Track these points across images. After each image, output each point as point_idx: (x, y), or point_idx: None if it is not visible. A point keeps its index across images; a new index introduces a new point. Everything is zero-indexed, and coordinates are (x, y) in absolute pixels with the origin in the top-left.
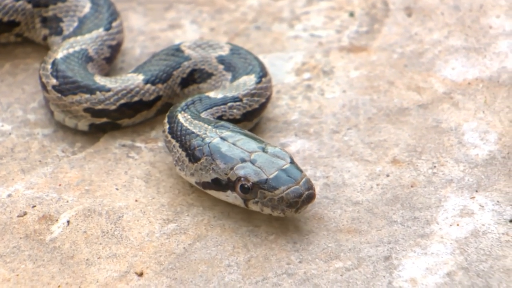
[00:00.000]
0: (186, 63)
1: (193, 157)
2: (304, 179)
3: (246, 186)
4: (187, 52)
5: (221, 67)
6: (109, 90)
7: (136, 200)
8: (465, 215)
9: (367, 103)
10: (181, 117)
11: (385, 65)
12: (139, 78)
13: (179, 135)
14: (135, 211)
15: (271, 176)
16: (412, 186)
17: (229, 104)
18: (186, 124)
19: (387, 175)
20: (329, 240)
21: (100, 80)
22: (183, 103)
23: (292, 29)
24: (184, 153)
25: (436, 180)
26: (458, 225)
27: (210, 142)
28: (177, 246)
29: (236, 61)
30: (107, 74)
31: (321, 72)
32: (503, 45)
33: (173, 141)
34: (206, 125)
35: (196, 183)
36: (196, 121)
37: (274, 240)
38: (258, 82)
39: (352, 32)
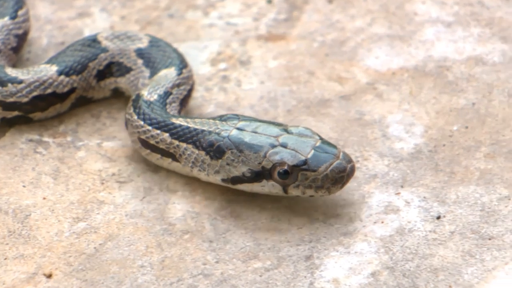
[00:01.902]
0: (103, 55)
1: (216, 153)
2: (342, 153)
3: (284, 171)
4: (104, 43)
5: (140, 61)
6: (21, 82)
7: (44, 198)
8: (390, 212)
9: (286, 95)
10: (178, 120)
11: (305, 55)
12: (53, 69)
13: (189, 137)
14: (43, 209)
15: (309, 156)
16: None
17: (169, 100)
18: (190, 125)
19: None
20: (247, 239)
21: (11, 71)
22: (146, 109)
23: (207, 17)
24: (203, 152)
25: (360, 175)
26: (382, 222)
27: (228, 135)
28: (88, 246)
29: (155, 55)
30: (14, 65)
31: (237, 62)
32: (429, 33)
33: (183, 145)
34: (211, 120)
35: (223, 180)
36: (196, 119)
37: (189, 239)
38: (179, 74)
39: (270, 20)
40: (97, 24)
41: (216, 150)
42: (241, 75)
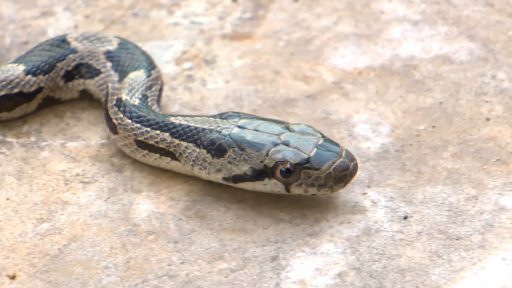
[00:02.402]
0: (71, 56)
1: (218, 152)
2: (344, 151)
3: (286, 169)
4: (74, 44)
5: (109, 64)
6: None
7: (7, 199)
8: (357, 213)
9: (251, 94)
10: (177, 120)
11: (271, 54)
12: (20, 68)
13: (189, 135)
14: (6, 210)
15: (312, 154)
16: None
17: (149, 103)
18: (191, 124)
19: None
20: (213, 239)
21: None
22: (139, 112)
23: (171, 15)
24: (204, 151)
25: None
26: (349, 223)
27: (229, 134)
28: (52, 247)
29: (124, 58)
30: None
31: (202, 61)
32: (395, 31)
33: (184, 143)
34: (211, 119)
35: (225, 178)
36: (196, 118)
37: (154, 240)
38: (149, 76)
39: (235, 19)
40: (61, 24)
41: (217, 149)
42: (206, 74)
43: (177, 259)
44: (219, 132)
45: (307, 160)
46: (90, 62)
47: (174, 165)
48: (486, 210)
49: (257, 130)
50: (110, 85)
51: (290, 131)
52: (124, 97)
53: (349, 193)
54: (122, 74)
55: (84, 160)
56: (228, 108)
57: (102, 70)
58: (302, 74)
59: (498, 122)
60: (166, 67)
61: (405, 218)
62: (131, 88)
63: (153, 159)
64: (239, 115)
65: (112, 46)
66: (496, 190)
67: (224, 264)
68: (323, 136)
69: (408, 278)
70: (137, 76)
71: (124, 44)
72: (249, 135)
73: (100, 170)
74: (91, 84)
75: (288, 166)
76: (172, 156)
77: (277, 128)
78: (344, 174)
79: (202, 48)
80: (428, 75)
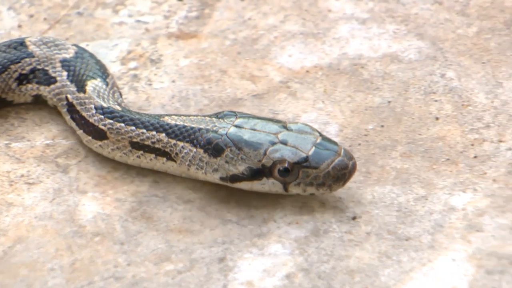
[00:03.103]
0: (28, 60)
1: (215, 151)
2: (343, 150)
3: (285, 168)
4: (31, 48)
5: (65, 74)
6: None
7: None
8: (305, 213)
9: (198, 94)
10: (172, 120)
11: (217, 53)
12: None
13: (186, 135)
14: None
15: (310, 153)
16: None
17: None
18: (187, 123)
19: None
20: (159, 241)
21: None
22: (131, 115)
23: (116, 14)
24: (201, 150)
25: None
26: (297, 223)
27: (226, 133)
28: None
29: (79, 67)
30: None
31: (148, 60)
32: (343, 30)
33: (180, 143)
34: (207, 118)
35: (222, 178)
36: (191, 117)
37: (100, 241)
38: (106, 84)
39: (181, 18)
40: (5, 23)
41: (214, 148)
42: (151, 74)
43: (123, 260)
44: (216, 131)
45: (306, 159)
46: (46, 68)
47: (169, 165)
48: (436, 210)
49: (254, 129)
50: (70, 96)
51: (287, 130)
52: (104, 104)
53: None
54: (79, 84)
55: (29, 161)
56: (174, 108)
57: (58, 79)
58: (249, 74)
59: (447, 122)
60: (112, 67)
61: (354, 218)
62: (100, 95)
63: (148, 160)
64: (235, 114)
65: (69, 54)
66: (445, 190)
67: (171, 266)
68: (321, 135)
69: (357, 279)
70: (96, 85)
71: (80, 53)
72: (246, 134)
73: (45, 171)
74: (46, 91)
75: (286, 165)
76: (168, 156)
77: (274, 127)
78: (343, 172)
79: (147, 48)
80: (376, 74)
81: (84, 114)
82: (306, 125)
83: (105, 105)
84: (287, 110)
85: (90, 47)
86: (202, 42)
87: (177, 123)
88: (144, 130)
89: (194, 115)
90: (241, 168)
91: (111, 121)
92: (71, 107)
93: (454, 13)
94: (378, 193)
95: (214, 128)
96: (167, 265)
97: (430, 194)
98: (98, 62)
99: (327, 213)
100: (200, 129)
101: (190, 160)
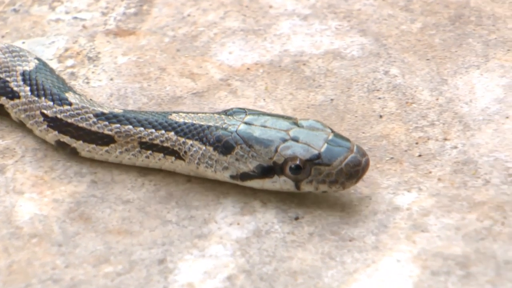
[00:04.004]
0: None
1: (224, 149)
2: (355, 146)
3: (296, 166)
4: None
5: (27, 89)
6: None
7: None
8: (247, 213)
9: (136, 92)
10: (181, 118)
11: (156, 50)
12: None
13: (195, 133)
14: None
15: (322, 150)
16: (188, 182)
17: None
18: (195, 121)
19: (161, 170)
20: (98, 242)
21: None
22: (139, 116)
23: (53, 11)
24: (210, 148)
25: None
26: (238, 224)
27: (236, 130)
28: None
29: (43, 81)
30: None
31: (85, 58)
32: (284, 26)
33: (189, 141)
34: (216, 115)
35: (232, 177)
36: (199, 115)
37: (37, 243)
38: (79, 95)
39: (119, 14)
40: None
41: (224, 146)
42: (89, 71)
43: (61, 262)
44: (225, 129)
45: (318, 156)
46: (7, 79)
47: (178, 164)
48: (380, 210)
49: (264, 126)
50: (49, 111)
51: (298, 126)
52: (104, 110)
53: (239, 193)
54: (54, 97)
55: None
56: (113, 106)
57: (22, 94)
58: (189, 71)
59: (391, 119)
60: (49, 65)
61: (296, 219)
62: (91, 103)
63: (157, 159)
64: (244, 111)
65: (29, 67)
66: (390, 189)
67: (110, 268)
68: (332, 131)
69: (300, 281)
70: (75, 96)
71: (40, 66)
72: (256, 131)
73: None
74: (9, 104)
75: (298, 162)
76: (177, 155)
77: (285, 124)
78: (356, 169)
79: (85, 45)
80: (318, 71)
81: (81, 125)
82: (318, 121)
83: (105, 111)
84: (227, 108)
85: (27, 45)
86: (141, 39)
87: (186, 121)
88: (153, 130)
89: (202, 112)
90: (251, 165)
91: (117, 125)
92: (56, 122)
93: (398, 9)
94: (321, 193)
95: (224, 126)
96: (106, 267)
97: (374, 193)
98: (58, 76)
99: (269, 213)
100: (209, 127)
101: (199, 159)
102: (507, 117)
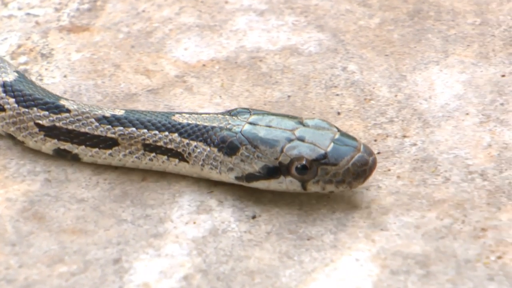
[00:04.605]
0: None
1: (229, 150)
2: (362, 145)
3: (302, 165)
4: None
5: (12, 101)
6: None
7: None
8: (203, 212)
9: (90, 89)
10: (184, 119)
11: (110, 46)
12: None
13: (199, 134)
14: None
15: (328, 149)
16: (143, 181)
17: None
18: (199, 122)
19: (116, 168)
20: (52, 242)
21: None
22: (141, 117)
23: (5, 7)
24: (215, 149)
25: (169, 174)
26: (194, 223)
27: (241, 131)
28: None
29: (29, 91)
30: None
31: (39, 55)
32: (241, 22)
33: (193, 143)
34: (220, 116)
35: (237, 178)
36: (203, 115)
37: None
38: (73, 100)
39: (72, 10)
40: None
41: (228, 146)
42: (42, 68)
43: (15, 262)
44: (230, 129)
45: (324, 156)
46: None
47: (182, 166)
48: (338, 209)
49: (269, 126)
50: (44, 121)
51: (304, 126)
52: (105, 113)
53: (194, 191)
54: (47, 106)
55: None
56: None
57: (6, 106)
58: (144, 68)
59: (350, 116)
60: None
61: (254, 217)
62: (90, 107)
63: (160, 162)
64: (249, 111)
65: (9, 78)
66: None
67: (64, 268)
68: (339, 130)
69: (258, 281)
70: (71, 101)
71: (19, 78)
72: (261, 132)
73: None
74: None
75: (304, 162)
76: (180, 157)
77: (290, 123)
78: (363, 169)
79: (38, 41)
80: (275, 68)
81: (83, 130)
82: (324, 120)
83: (106, 114)
84: (183, 106)
85: None
86: (95, 36)
87: (189, 122)
88: (157, 132)
89: (205, 113)
90: (257, 166)
91: (120, 127)
92: (54, 131)
93: (356, 4)
94: (279, 191)
95: (228, 126)
96: (60, 267)
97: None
98: (39, 87)
99: (226, 212)
100: (213, 128)
101: (203, 160)
102: (467, 114)
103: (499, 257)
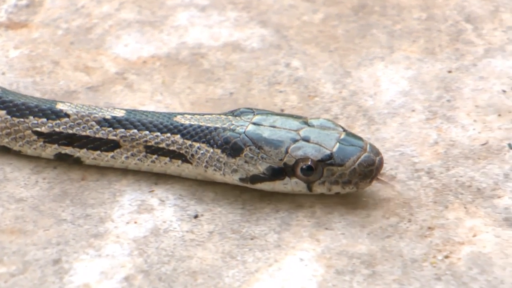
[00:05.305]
0: None
1: (233, 151)
2: (368, 145)
3: (308, 166)
4: None
5: (3, 112)
6: None
7: None
8: (144, 212)
9: (29, 86)
10: (187, 120)
11: (49, 43)
12: None
13: (202, 135)
14: None
15: (334, 150)
16: (83, 180)
17: None
18: (202, 123)
19: (55, 167)
20: None
21: None
22: (141, 117)
23: None
24: (218, 150)
25: (109, 172)
26: (136, 222)
27: (244, 131)
28: None
29: (19, 101)
30: None
31: None
32: (182, 18)
33: (196, 144)
34: (223, 116)
35: (241, 179)
36: (205, 116)
37: None
38: (70, 103)
39: (10, 6)
40: None
41: (232, 148)
42: None
43: None
44: (233, 130)
45: (330, 156)
46: None
47: (184, 167)
48: (282, 208)
49: (273, 127)
50: (42, 128)
51: (309, 126)
52: (105, 116)
53: (135, 190)
54: (44, 112)
55: None
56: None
57: None
58: (83, 65)
59: (294, 113)
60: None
61: (196, 217)
62: (89, 110)
63: (162, 163)
64: (252, 111)
65: None
66: None
67: (3, 269)
68: (344, 130)
69: (200, 281)
70: (68, 105)
71: (5, 89)
72: (266, 132)
73: None
74: None
75: (309, 163)
76: (183, 158)
77: (295, 124)
78: (370, 169)
79: None
80: (217, 64)
81: (84, 133)
82: (329, 120)
83: (107, 116)
84: (124, 103)
85: None
86: (33, 32)
87: (192, 123)
88: (159, 133)
89: (208, 114)
90: (261, 167)
91: (122, 129)
92: (54, 136)
93: None
94: (221, 190)
95: (231, 127)
96: None
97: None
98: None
99: (167, 211)
100: (216, 128)
101: (207, 162)
102: (413, 111)
103: (446, 257)
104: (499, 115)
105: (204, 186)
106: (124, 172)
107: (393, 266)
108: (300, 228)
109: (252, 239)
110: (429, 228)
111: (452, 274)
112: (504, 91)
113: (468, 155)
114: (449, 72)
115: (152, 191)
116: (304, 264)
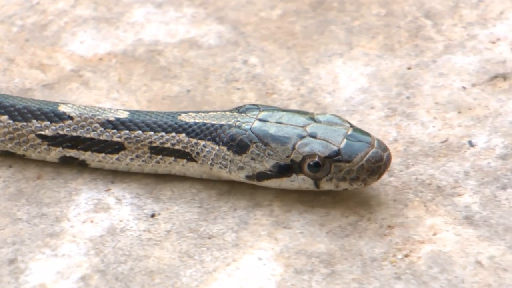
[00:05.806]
0: None
1: (239, 148)
2: (376, 141)
3: (315, 163)
4: None
5: (5, 118)
6: None
7: None
8: (100, 210)
9: None
10: (191, 118)
11: (4, 40)
12: None
13: (207, 133)
14: None
15: (342, 146)
16: (38, 178)
17: None
18: (206, 121)
19: (10, 166)
20: None
21: None
22: (142, 116)
23: None
24: (224, 148)
25: (65, 171)
26: (92, 222)
27: (250, 128)
28: None
29: (20, 105)
30: None
31: None
32: (138, 14)
33: (201, 142)
34: (228, 113)
35: (248, 177)
36: (210, 113)
37: None
38: (72, 104)
39: None
40: None
41: (238, 145)
42: None
43: None
44: (239, 127)
45: (337, 152)
46: None
47: (189, 166)
48: (240, 206)
49: (280, 123)
50: (46, 131)
51: (315, 122)
52: (109, 118)
53: (91, 189)
54: (46, 115)
55: None
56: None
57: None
58: (38, 62)
59: None
60: None
61: (153, 216)
62: (92, 111)
63: (167, 163)
64: (258, 107)
65: None
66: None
67: None
68: (352, 126)
69: (157, 281)
70: (71, 106)
71: (3, 94)
72: (272, 129)
73: None
74: None
75: (316, 159)
76: (188, 157)
77: (301, 120)
78: (378, 165)
79: None
80: (174, 61)
81: (88, 136)
82: (336, 116)
83: (110, 118)
84: (80, 101)
85: None
86: None
87: (196, 121)
88: (163, 133)
89: (212, 111)
90: (268, 164)
91: (126, 131)
92: (58, 139)
93: None
94: (178, 189)
95: (237, 124)
96: None
97: (233, 188)
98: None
99: (124, 210)
100: (221, 126)
101: (212, 159)
102: (372, 108)
103: (406, 255)
104: (459, 112)
105: (161, 185)
106: (80, 170)
107: (352, 265)
108: (258, 227)
109: (209, 238)
110: (389, 226)
111: (412, 273)
112: (464, 88)
113: (428, 152)
114: (409, 68)
115: (109, 189)
116: (262, 264)
